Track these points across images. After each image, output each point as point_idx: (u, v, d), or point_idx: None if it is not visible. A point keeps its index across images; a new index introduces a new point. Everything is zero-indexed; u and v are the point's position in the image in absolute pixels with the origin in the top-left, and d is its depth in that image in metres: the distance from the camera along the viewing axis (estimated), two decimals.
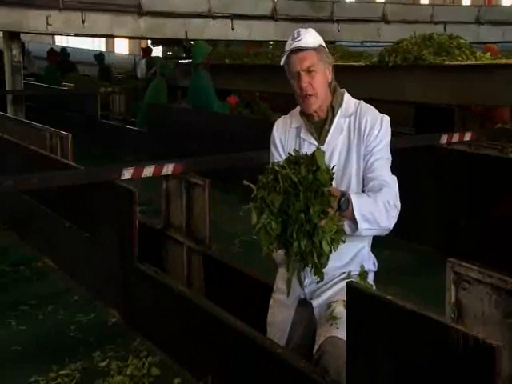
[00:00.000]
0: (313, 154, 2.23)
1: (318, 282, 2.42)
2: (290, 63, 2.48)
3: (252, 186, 2.23)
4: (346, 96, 2.57)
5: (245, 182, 2.28)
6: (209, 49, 8.51)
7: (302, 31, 2.47)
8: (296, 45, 2.43)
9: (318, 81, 2.46)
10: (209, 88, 8.17)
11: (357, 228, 2.34)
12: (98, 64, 15.62)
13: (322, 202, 2.17)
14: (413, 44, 7.22)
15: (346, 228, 2.33)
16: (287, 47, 2.47)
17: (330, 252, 2.21)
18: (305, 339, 2.54)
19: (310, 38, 2.46)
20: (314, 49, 2.45)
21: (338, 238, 2.22)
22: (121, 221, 3.93)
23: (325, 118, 2.54)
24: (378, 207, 2.36)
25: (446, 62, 6.84)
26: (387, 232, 2.47)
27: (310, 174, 2.18)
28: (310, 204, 2.15)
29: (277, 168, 2.21)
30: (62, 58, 14.83)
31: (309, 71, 2.44)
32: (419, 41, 7.28)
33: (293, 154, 2.31)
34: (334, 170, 2.26)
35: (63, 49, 16.39)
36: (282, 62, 2.51)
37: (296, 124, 2.59)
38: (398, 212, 2.42)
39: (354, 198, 2.31)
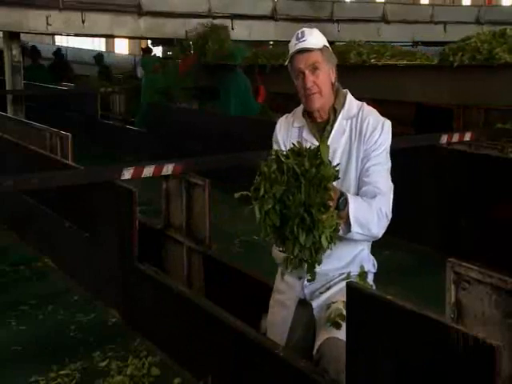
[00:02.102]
0: (317, 148, 2.20)
1: (309, 281, 2.39)
2: (294, 63, 2.47)
3: (246, 193, 2.21)
4: (349, 97, 2.56)
5: (236, 195, 2.24)
6: (246, 52, 8.53)
7: (307, 31, 2.46)
8: (301, 46, 2.42)
9: (323, 80, 2.45)
10: (246, 89, 8.12)
11: (349, 230, 2.33)
12: (96, 64, 15.60)
13: (324, 195, 2.13)
14: (482, 41, 6.73)
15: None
16: (291, 48, 2.45)
17: (328, 248, 2.17)
18: (304, 340, 2.54)
19: (314, 38, 2.45)
20: (318, 49, 2.45)
21: (335, 236, 2.19)
22: (121, 221, 3.93)
23: (327, 119, 2.53)
24: (371, 213, 2.35)
25: None
26: (374, 239, 2.48)
27: (314, 167, 2.14)
28: (311, 197, 2.11)
29: (281, 158, 2.18)
30: (55, 59, 14.76)
31: (314, 68, 2.43)
32: (489, 38, 6.80)
33: (297, 145, 2.28)
34: (337, 168, 2.23)
35: (58, 49, 16.29)
36: (286, 63, 2.50)
37: (298, 124, 2.58)
38: (388, 222, 2.41)
39: (351, 200, 2.30)
